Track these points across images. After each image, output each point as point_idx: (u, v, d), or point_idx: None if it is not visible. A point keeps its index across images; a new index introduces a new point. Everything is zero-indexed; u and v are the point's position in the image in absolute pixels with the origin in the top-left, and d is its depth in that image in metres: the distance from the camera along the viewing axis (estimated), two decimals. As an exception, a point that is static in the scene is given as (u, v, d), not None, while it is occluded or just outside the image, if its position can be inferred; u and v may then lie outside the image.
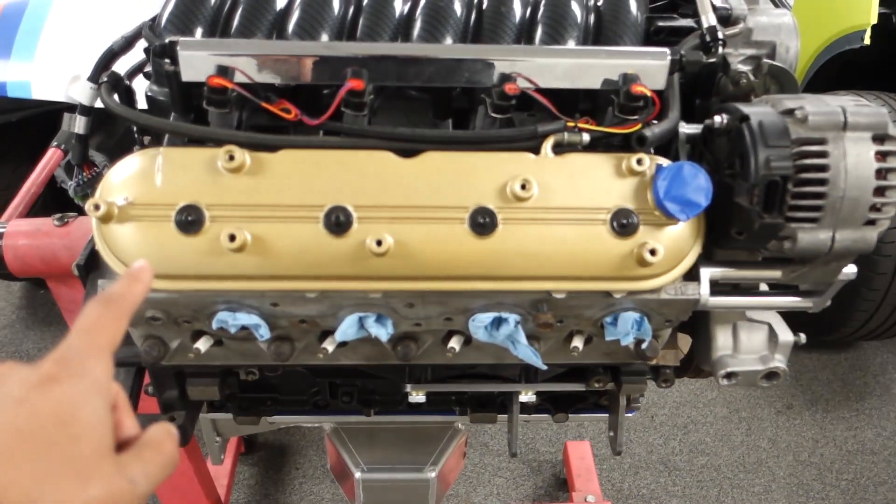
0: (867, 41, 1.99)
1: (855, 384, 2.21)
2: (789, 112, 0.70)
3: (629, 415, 1.08)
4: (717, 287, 0.79)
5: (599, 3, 0.88)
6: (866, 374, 2.25)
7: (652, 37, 0.85)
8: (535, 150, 0.73)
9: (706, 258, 0.76)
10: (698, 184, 0.70)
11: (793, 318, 2.25)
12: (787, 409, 2.14)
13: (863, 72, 2.39)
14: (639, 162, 0.71)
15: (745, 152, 0.69)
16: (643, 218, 0.71)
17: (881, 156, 0.68)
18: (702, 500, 1.89)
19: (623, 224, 0.70)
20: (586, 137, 0.73)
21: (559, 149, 0.73)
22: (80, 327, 0.45)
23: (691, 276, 0.76)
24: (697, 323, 0.89)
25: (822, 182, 0.68)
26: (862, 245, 0.71)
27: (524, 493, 1.89)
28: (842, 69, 2.26)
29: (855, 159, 0.68)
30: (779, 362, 0.85)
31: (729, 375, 0.84)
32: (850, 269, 0.77)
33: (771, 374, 0.85)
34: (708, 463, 1.98)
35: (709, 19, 0.80)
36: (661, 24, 0.85)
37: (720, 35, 0.79)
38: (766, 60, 0.83)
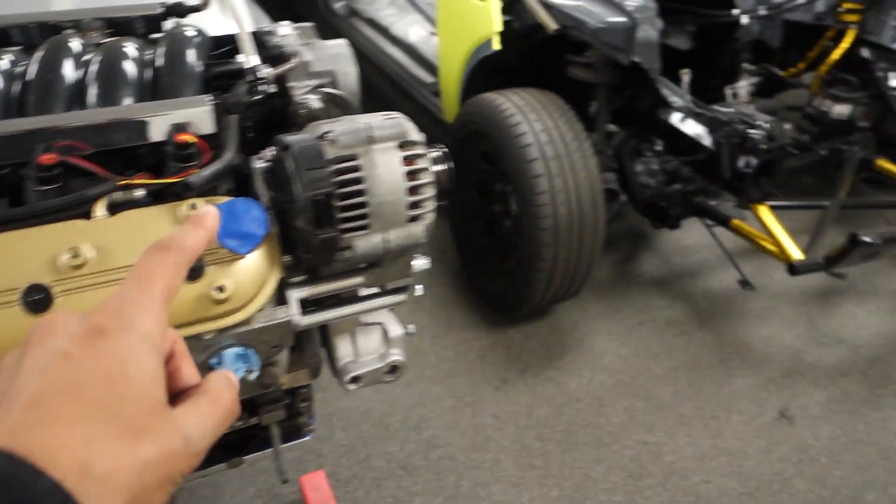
0: (497, 47, 2.25)
1: (555, 345, 2.49)
2: (322, 136, 0.77)
3: (305, 439, 1.12)
4: (326, 301, 0.84)
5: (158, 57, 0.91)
6: (563, 334, 2.53)
7: (213, 83, 0.89)
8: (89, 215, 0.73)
9: (304, 280, 0.82)
10: (253, 216, 0.74)
11: (487, 304, 2.42)
12: (503, 383, 2.35)
13: (513, 71, 2.68)
14: (192, 207, 0.74)
15: (287, 179, 0.74)
16: (211, 258, 0.74)
17: (408, 160, 0.78)
18: (441, 489, 2.00)
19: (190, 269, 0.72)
20: (141, 193, 0.74)
21: (117, 209, 0.74)
22: (134, 275, 0.41)
23: (282, 300, 0.81)
24: (325, 337, 0.94)
25: (361, 193, 0.76)
26: (413, 240, 0.80)
27: (273, 539, 1.87)
28: (493, 71, 2.52)
29: (384, 167, 0.77)
30: (396, 355, 0.93)
31: (354, 380, 0.90)
32: (422, 263, 0.87)
33: (393, 368, 0.93)
34: (443, 454, 2.10)
35: (250, 61, 0.85)
36: (218, 69, 0.89)
37: (261, 74, 0.84)
38: (323, 89, 0.91)
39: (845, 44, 2.64)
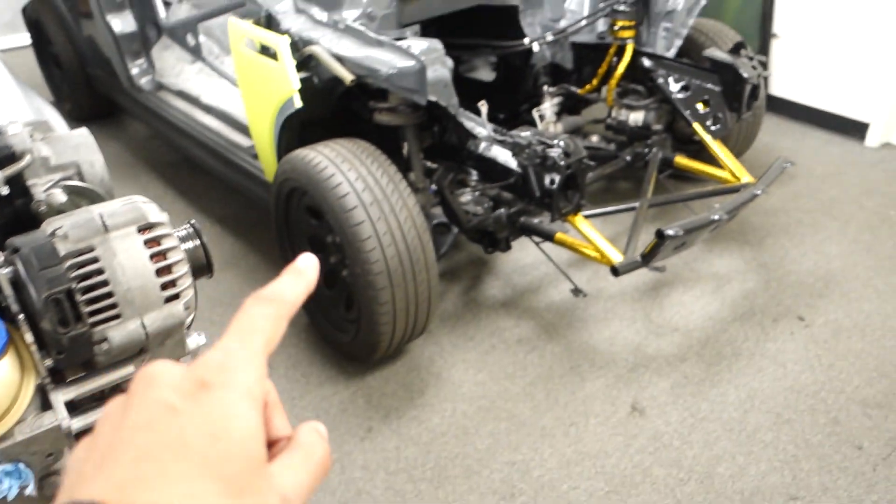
0: (299, 104, 2.26)
1: (414, 384, 2.50)
2: (53, 232, 0.74)
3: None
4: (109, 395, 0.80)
5: None
6: (420, 371, 2.55)
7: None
8: None
9: (71, 380, 0.78)
10: (-15, 327, 0.70)
11: (342, 354, 2.35)
12: (368, 432, 2.32)
13: (326, 122, 2.71)
14: None
15: (22, 283, 0.71)
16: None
17: (151, 242, 0.77)
18: (315, 556, 1.95)
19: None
20: None
21: None
22: (236, 327, 0.42)
23: (48, 404, 0.76)
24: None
25: (105, 283, 0.74)
26: (174, 319, 0.79)
27: None
28: (306, 124, 2.53)
29: (125, 254, 0.75)
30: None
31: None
32: (198, 339, 0.85)
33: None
34: (314, 519, 2.05)
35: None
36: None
37: (-16, 179, 0.80)
38: (65, 183, 0.88)
39: (627, 58, 2.87)
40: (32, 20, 4.13)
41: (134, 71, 3.42)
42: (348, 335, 2.43)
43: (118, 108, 4.02)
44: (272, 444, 0.43)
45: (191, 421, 0.37)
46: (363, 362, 2.52)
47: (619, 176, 3.37)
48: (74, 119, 4.24)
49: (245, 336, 0.42)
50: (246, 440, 0.38)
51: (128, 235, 0.74)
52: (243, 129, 2.87)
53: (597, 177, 2.93)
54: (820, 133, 3.89)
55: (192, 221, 0.82)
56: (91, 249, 0.72)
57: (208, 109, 3.15)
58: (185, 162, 3.76)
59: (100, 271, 0.72)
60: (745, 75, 2.61)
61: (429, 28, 2.99)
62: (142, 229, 0.75)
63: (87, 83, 3.96)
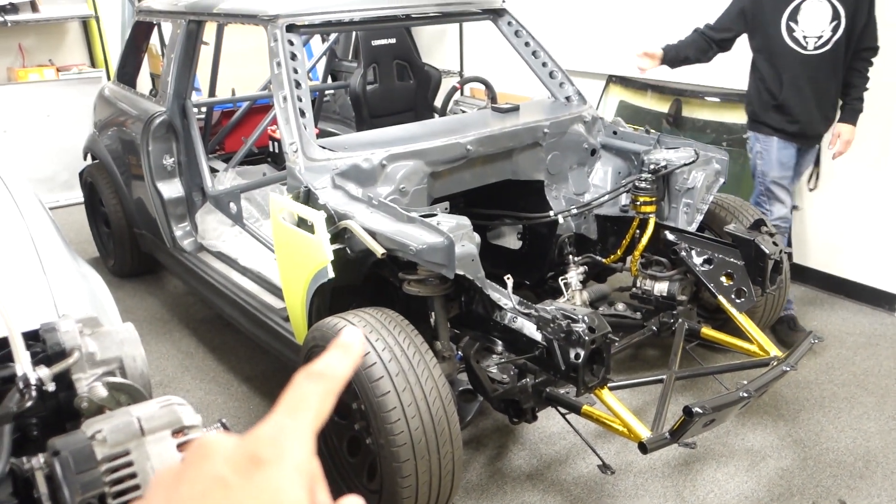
0: (332, 275, 2.35)
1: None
2: (93, 436, 0.77)
3: None
4: None
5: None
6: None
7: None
8: None
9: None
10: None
11: None
12: None
13: (356, 290, 2.78)
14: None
15: (57, 483, 0.73)
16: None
17: (183, 446, 0.79)
18: None
19: None
20: None
21: None
22: (286, 402, 0.42)
23: None
24: None
25: (136, 487, 0.75)
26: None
27: None
28: (337, 291, 2.61)
29: (159, 458, 0.77)
30: None
31: None
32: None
33: None
34: None
35: (22, 367, 0.86)
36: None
37: (33, 379, 0.85)
38: (106, 379, 0.92)
39: (649, 231, 2.96)
40: (87, 182, 4.41)
41: (178, 233, 3.59)
42: (369, 506, 2.36)
43: (159, 265, 4.19)
44: None
45: (243, 495, 0.38)
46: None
47: (647, 343, 3.37)
48: (116, 275, 4.42)
49: (296, 411, 0.43)
50: None
51: (162, 439, 0.77)
52: (277, 292, 2.96)
53: (624, 345, 2.93)
54: (849, 303, 3.88)
55: (223, 420, 0.85)
56: (127, 453, 0.75)
57: (244, 271, 3.27)
58: (217, 319, 3.85)
59: (133, 475, 0.74)
60: (767, 251, 2.66)
61: (459, 198, 3.14)
62: (175, 432, 0.78)
63: (132, 242, 4.16)
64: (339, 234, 2.41)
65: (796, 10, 3.14)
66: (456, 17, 3.63)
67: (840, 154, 3.36)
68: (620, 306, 3.11)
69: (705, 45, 3.42)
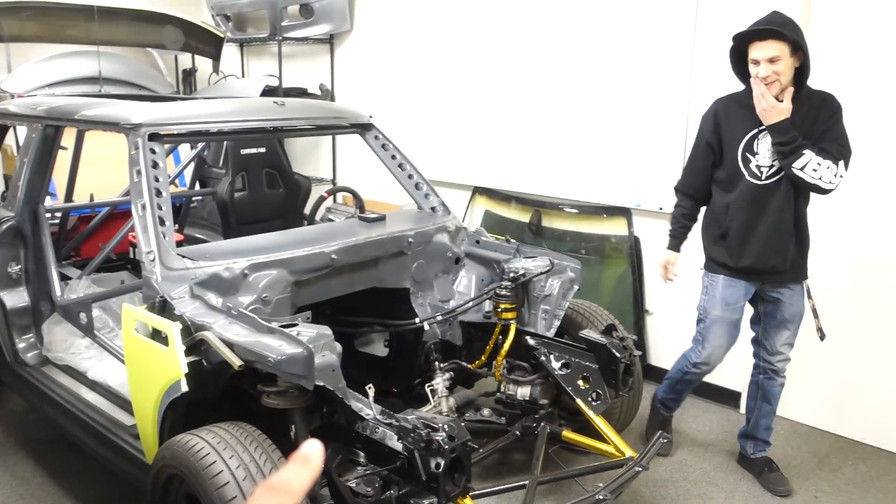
0: (185, 388, 2.25)
1: None
2: None
3: None
4: None
5: None
6: None
7: None
8: None
9: None
10: None
11: None
12: None
13: (213, 404, 2.66)
14: None
15: None
16: None
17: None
18: None
19: None
20: None
21: None
22: None
23: None
24: None
25: None
26: None
27: None
28: (192, 405, 2.48)
29: None
30: None
31: None
32: None
33: None
34: None
35: None
36: None
37: None
38: None
39: (510, 337, 3.07)
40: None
41: (20, 345, 3.34)
42: None
43: (-2, 381, 3.85)
44: None
45: None
46: None
47: (513, 447, 3.41)
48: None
49: None
50: None
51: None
52: (127, 407, 2.79)
53: (490, 450, 2.95)
54: (700, 402, 4.13)
55: None
56: None
57: (93, 385, 3.07)
58: (61, 440, 3.55)
59: None
60: (618, 355, 2.82)
61: (326, 306, 3.13)
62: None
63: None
64: (196, 346, 2.33)
65: (752, 140, 2.95)
66: (325, 131, 3.75)
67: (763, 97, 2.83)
68: (486, 411, 3.15)
69: (695, 204, 3.26)
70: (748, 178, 2.98)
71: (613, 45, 4.15)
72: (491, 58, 4.77)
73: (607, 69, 4.20)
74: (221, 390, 2.58)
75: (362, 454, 2.42)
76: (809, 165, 2.80)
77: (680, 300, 4.15)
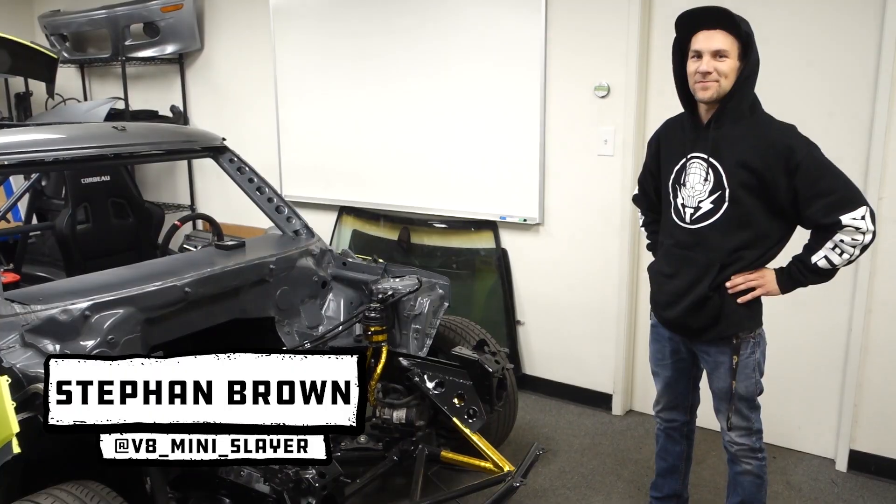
0: (17, 450, 2.00)
1: None
2: None
3: None
4: None
5: None
6: None
7: None
8: None
9: None
10: None
11: None
12: None
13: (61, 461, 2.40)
14: None
15: None
16: None
17: None
18: None
19: None
20: None
21: None
22: None
23: None
24: None
25: None
26: None
27: None
28: (32, 465, 2.23)
29: None
30: None
31: None
32: None
33: None
34: None
35: None
36: None
37: None
38: None
39: (383, 359, 2.99)
40: None
41: None
42: None
43: None
44: None
45: None
46: None
47: (394, 473, 3.32)
48: None
49: None
50: None
51: None
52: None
53: (369, 479, 2.86)
54: (573, 406, 4.21)
55: None
56: None
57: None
58: None
59: None
60: (490, 370, 2.81)
61: (188, 341, 2.93)
62: None
63: None
64: (30, 400, 2.10)
65: (682, 170, 2.34)
66: (174, 156, 3.53)
67: (735, 288, 2.27)
68: (362, 438, 3.05)
69: (654, 214, 2.61)
70: (672, 215, 2.39)
71: (472, 60, 4.19)
72: (352, 74, 4.69)
73: (467, 85, 4.24)
74: (67, 447, 2.34)
75: (228, 500, 2.26)
76: (830, 257, 2.18)
77: (549, 309, 4.23)
